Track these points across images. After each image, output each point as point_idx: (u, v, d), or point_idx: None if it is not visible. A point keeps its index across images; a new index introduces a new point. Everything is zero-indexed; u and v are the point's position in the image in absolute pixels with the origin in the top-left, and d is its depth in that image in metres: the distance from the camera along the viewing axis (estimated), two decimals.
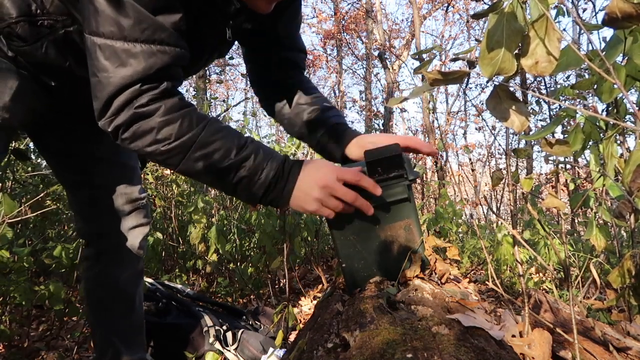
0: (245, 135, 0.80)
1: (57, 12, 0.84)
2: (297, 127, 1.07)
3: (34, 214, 1.78)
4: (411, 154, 0.99)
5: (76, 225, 1.23)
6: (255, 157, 0.77)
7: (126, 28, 0.68)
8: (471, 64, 0.54)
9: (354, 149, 0.99)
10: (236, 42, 1.05)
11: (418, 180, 4.78)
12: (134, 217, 1.19)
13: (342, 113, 1.09)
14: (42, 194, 1.96)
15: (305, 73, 1.15)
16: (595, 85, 0.77)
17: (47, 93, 0.95)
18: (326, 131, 1.02)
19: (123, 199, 1.16)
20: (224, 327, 1.60)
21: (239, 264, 2.47)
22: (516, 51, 0.47)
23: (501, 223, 2.37)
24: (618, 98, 0.86)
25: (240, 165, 0.76)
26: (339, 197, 0.78)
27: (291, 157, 0.82)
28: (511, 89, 0.50)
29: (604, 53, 0.69)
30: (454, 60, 0.61)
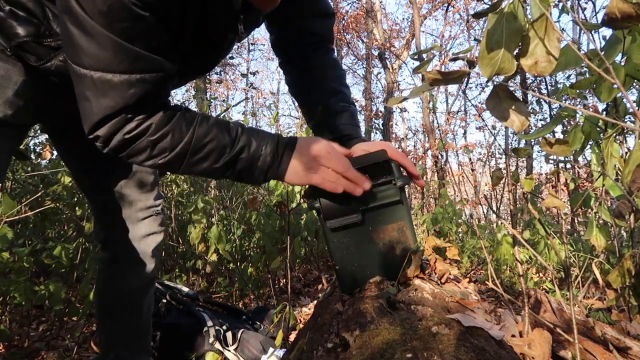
0: (235, 124, 0.81)
1: None
2: (309, 120, 1.07)
3: (34, 212, 1.78)
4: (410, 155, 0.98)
5: (94, 228, 1.22)
6: (249, 148, 0.79)
7: (103, 60, 0.66)
8: (471, 64, 0.54)
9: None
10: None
11: None
12: (148, 225, 1.16)
13: (355, 113, 1.06)
14: (40, 193, 1.96)
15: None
16: (595, 85, 0.77)
17: (58, 94, 0.94)
18: (332, 140, 1.02)
19: (137, 205, 1.14)
20: (224, 327, 1.60)
21: (239, 264, 2.47)
22: (516, 51, 0.47)
23: (501, 223, 2.37)
24: (617, 97, 0.86)
25: (238, 159, 0.79)
26: (329, 166, 0.81)
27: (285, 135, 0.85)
28: (511, 88, 0.50)
29: (603, 52, 0.69)
30: (454, 59, 0.61)
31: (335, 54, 1.16)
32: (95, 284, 1.23)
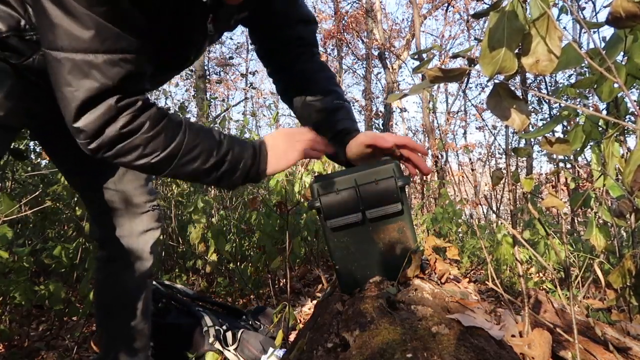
0: (215, 130, 0.84)
1: None
2: (305, 123, 1.07)
3: (33, 211, 1.78)
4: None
5: (90, 227, 1.22)
6: (233, 151, 0.83)
7: (86, 40, 0.65)
8: (471, 62, 0.54)
9: (352, 147, 0.99)
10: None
11: (417, 179, 4.78)
12: (146, 221, 1.16)
13: (350, 109, 1.07)
14: (39, 192, 1.95)
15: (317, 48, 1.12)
16: (595, 84, 0.77)
17: (42, 94, 0.93)
18: (332, 136, 1.02)
19: (133, 201, 1.14)
20: (224, 327, 1.60)
21: (239, 264, 2.46)
22: (517, 50, 0.47)
23: (501, 223, 2.37)
24: (618, 97, 0.86)
25: (224, 160, 0.82)
26: (301, 140, 0.89)
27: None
28: (512, 87, 0.50)
29: (604, 52, 0.69)
30: (454, 57, 0.61)
31: (321, 57, 1.16)
32: (94, 282, 1.22)
